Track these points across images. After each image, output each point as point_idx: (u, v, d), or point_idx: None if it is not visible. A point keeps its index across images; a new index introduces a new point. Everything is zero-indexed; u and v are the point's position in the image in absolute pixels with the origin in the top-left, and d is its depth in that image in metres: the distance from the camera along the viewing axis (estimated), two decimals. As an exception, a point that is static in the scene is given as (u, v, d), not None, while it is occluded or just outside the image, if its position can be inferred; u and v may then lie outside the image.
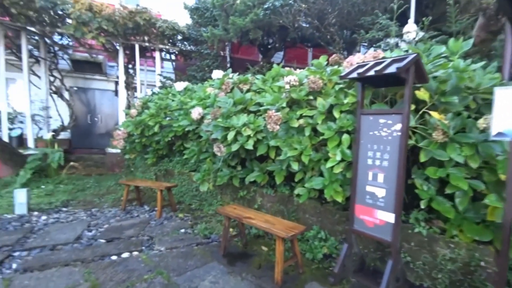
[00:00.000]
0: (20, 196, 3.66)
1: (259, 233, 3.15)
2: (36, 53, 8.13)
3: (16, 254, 2.55)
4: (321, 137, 2.56)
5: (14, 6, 5.89)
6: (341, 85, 2.65)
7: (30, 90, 7.27)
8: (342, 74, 2.03)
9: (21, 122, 7.77)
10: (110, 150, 7.92)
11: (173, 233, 3.22)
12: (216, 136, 3.31)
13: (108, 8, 6.88)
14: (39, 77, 8.22)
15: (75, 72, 10.41)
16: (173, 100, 5.08)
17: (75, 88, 11.02)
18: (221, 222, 3.59)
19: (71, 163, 6.03)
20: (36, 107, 8.00)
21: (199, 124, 4.01)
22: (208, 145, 4.19)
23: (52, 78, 8.58)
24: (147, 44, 8.42)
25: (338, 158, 2.34)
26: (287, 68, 3.85)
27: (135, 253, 2.64)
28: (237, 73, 4.45)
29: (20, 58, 7.38)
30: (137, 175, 6.11)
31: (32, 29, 7.04)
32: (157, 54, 8.99)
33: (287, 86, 2.72)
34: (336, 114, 2.56)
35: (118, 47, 8.30)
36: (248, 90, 3.94)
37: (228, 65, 9.52)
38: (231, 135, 3.07)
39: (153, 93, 7.95)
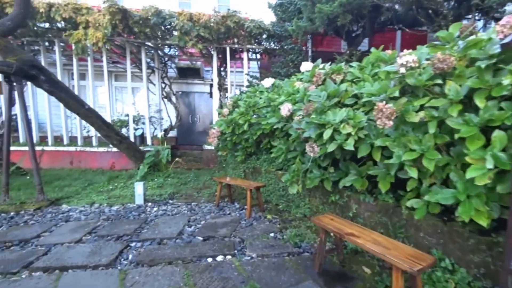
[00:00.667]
0: (139, 189, 4.28)
1: (357, 249, 2.67)
2: (151, 64, 9.65)
3: (133, 244, 2.92)
4: (456, 135, 1.87)
5: (135, 25, 7.04)
6: (484, 62, 1.87)
7: (148, 96, 8.64)
8: (507, 40, 1.35)
9: (143, 123, 9.40)
10: (206, 147, 8.64)
11: (263, 236, 3.09)
12: (308, 134, 2.97)
13: (205, 15, 7.43)
14: (154, 84, 9.73)
15: (179, 78, 11.86)
16: (260, 98, 5.04)
17: (180, 92, 12.59)
18: (311, 229, 3.26)
19: (177, 159, 6.87)
20: (152, 110, 9.54)
21: (288, 121, 3.76)
22: (296, 144, 3.91)
23: (163, 85, 10.03)
24: (236, 46, 8.75)
25: (489, 165, 1.63)
26: (388, 51, 3.16)
27: (228, 257, 2.63)
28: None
29: (140, 70, 8.91)
30: (228, 171, 6.40)
31: (149, 43, 8.34)
32: (244, 55, 9.24)
33: (402, 70, 2.11)
34: (479, 102, 1.83)
35: (212, 52, 8.96)
36: (342, 81, 3.44)
37: (310, 59, 8.99)
38: (327, 133, 2.67)
39: (241, 92, 8.23)
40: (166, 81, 10.22)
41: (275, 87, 4.94)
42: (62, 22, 6.79)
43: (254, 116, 4.86)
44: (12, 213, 3.62)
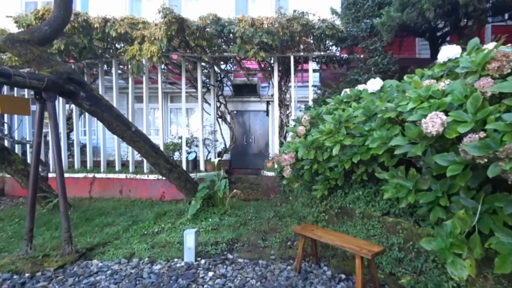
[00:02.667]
0: (189, 240, 3.16)
1: None
2: (206, 82, 9.09)
3: None
4: None
5: (192, 37, 6.44)
6: None
7: (202, 116, 7.93)
8: None
9: (196, 146, 8.73)
10: (266, 173, 7.42)
11: None
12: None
13: (268, 18, 6.52)
14: (209, 104, 9.09)
15: (234, 96, 11.16)
16: (353, 109, 3.62)
17: (234, 112, 11.86)
18: None
19: (234, 191, 5.76)
20: (206, 132, 8.86)
21: (437, 141, 2.25)
22: (432, 180, 2.41)
23: (217, 104, 9.35)
24: (301, 53, 7.60)
25: None
26: None
27: None
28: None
29: (195, 88, 8.40)
30: (297, 207, 5.01)
31: (205, 58, 7.76)
32: (310, 64, 8.03)
33: None
34: None
35: (272, 64, 8.01)
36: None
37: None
38: None
39: (309, 108, 6.94)
40: (221, 99, 9.57)
41: (384, 91, 3.49)
42: (117, 41, 6.55)
43: (347, 134, 3.46)
44: (26, 275, 2.80)
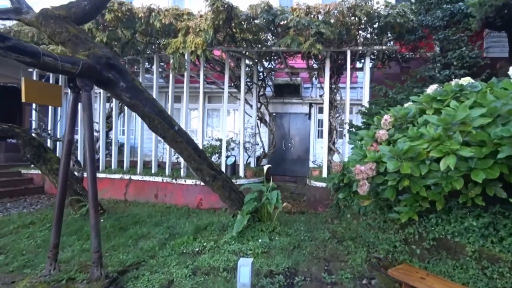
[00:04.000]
0: (244, 274, 2.44)
1: None
2: (247, 81, 8.47)
3: None
4: None
5: (239, 29, 5.85)
6: None
7: (244, 117, 7.30)
8: None
9: (232, 149, 8.12)
10: (314, 183, 6.55)
11: None
12: None
13: (327, 6, 5.71)
14: (250, 105, 8.46)
15: (275, 97, 10.45)
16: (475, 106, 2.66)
17: (274, 114, 11.13)
18: None
19: (284, 204, 4.98)
20: (247, 134, 8.23)
21: None
22: None
23: (258, 105, 8.69)
24: (359, 48, 6.66)
25: None
26: None
27: None
28: None
29: (237, 88, 7.83)
30: (361, 230, 4.10)
31: (249, 54, 7.16)
32: (366, 61, 7.06)
33: None
34: None
35: (323, 60, 7.18)
36: None
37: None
38: None
39: (365, 112, 5.99)
40: (262, 100, 8.90)
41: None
42: (160, 34, 6.15)
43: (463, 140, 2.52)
44: (44, 307, 2.28)
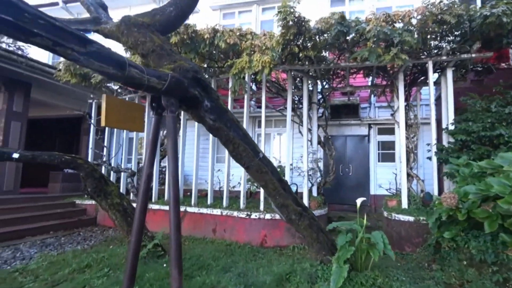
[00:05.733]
0: None
1: None
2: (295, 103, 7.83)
3: None
4: None
5: (307, 44, 5.31)
6: None
7: (307, 142, 6.56)
8: None
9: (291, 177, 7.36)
10: (395, 216, 5.45)
11: None
12: None
13: (416, 10, 4.99)
14: (309, 129, 7.75)
15: (331, 119, 9.65)
16: None
17: (329, 137, 10.29)
18: None
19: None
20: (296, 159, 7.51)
21: None
22: None
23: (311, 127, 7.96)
24: (444, 57, 5.74)
25: None
26: None
27: None
28: None
29: (293, 110, 7.22)
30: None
31: (311, 72, 6.58)
32: (448, 74, 6.07)
33: None
34: None
35: (394, 74, 6.35)
36: None
37: None
38: None
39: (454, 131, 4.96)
40: (319, 122, 8.16)
41: None
42: (223, 55, 5.84)
43: None
44: None
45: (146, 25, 2.16)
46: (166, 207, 6.45)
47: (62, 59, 10.21)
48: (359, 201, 3.89)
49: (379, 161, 9.59)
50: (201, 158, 7.48)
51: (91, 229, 6.54)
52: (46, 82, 7.01)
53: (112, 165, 6.55)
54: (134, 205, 4.67)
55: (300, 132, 7.99)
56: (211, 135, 6.71)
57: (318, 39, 5.39)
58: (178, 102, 2.12)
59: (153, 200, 6.69)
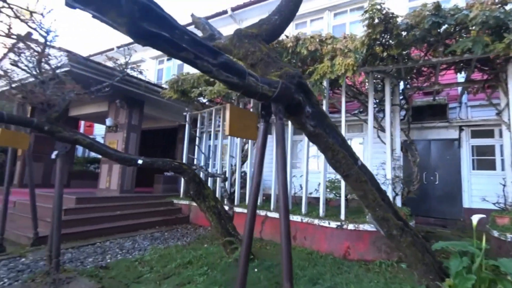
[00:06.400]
0: None
1: None
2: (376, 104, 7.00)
3: None
4: None
5: (385, 45, 4.71)
6: None
7: (390, 148, 5.79)
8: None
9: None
10: (515, 237, 4.24)
11: None
12: None
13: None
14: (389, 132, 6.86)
15: (412, 122, 8.42)
16: None
17: (408, 142, 8.99)
18: None
19: None
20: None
21: None
22: None
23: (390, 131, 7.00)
24: None
25: None
26: None
27: None
28: None
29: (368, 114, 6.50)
30: None
31: (395, 74, 5.83)
32: None
33: None
34: None
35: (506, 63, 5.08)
36: None
37: None
38: None
39: None
40: (401, 126, 7.17)
41: None
42: (304, 61, 5.64)
43: None
44: None
45: (255, 35, 2.10)
46: (246, 210, 6.49)
47: (163, 80, 11.54)
48: (475, 218, 3.11)
49: (473, 168, 7.99)
50: (269, 163, 7.37)
51: (185, 226, 7.01)
52: (153, 99, 7.98)
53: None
54: (226, 208, 4.80)
55: (378, 136, 7.20)
56: (289, 141, 6.55)
57: (404, 36, 4.72)
58: (284, 109, 1.97)
59: (235, 203, 6.82)
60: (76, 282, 3.15)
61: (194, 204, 7.48)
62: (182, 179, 8.23)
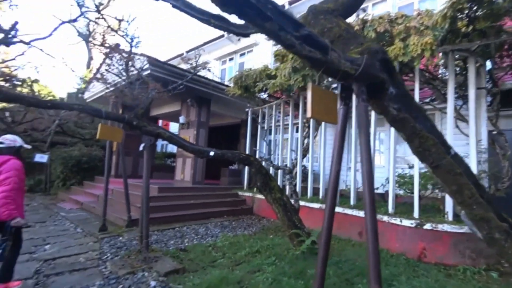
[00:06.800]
0: None
1: None
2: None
3: None
4: None
5: (473, 17, 3.84)
6: None
7: (475, 140, 4.80)
8: None
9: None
10: None
11: None
12: None
13: None
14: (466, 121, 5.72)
15: (500, 108, 6.83)
16: None
17: (494, 132, 7.36)
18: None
19: None
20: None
21: None
22: None
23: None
24: None
25: None
26: None
27: None
28: None
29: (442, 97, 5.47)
30: None
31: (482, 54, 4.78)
32: None
33: None
34: None
35: None
36: None
37: None
38: None
39: None
40: (488, 113, 5.87)
41: None
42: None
43: None
44: None
45: (331, 10, 1.88)
46: (310, 204, 6.22)
47: (225, 79, 11.99)
48: None
49: None
50: (330, 157, 6.87)
51: (250, 217, 7.12)
52: (219, 97, 8.31)
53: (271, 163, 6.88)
54: (292, 201, 4.64)
55: (457, 127, 6.06)
56: (354, 131, 6.03)
57: (499, 2, 3.78)
58: (365, 89, 1.69)
59: (299, 196, 6.59)
60: (162, 261, 3.41)
61: (258, 196, 7.53)
62: (246, 173, 8.40)
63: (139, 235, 3.82)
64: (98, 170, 9.60)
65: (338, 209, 5.64)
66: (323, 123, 6.73)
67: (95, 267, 3.30)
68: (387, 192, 6.43)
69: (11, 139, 2.77)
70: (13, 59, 8.27)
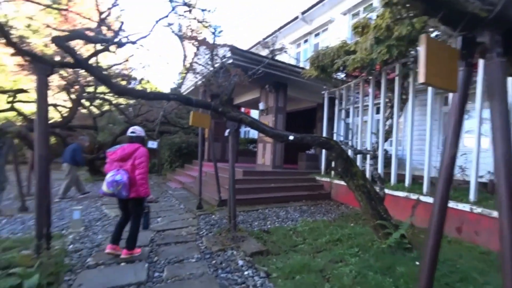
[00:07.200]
0: None
1: None
2: None
3: None
4: None
5: None
6: None
7: None
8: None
9: None
10: None
11: None
12: None
13: None
14: None
15: None
16: None
17: None
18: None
19: None
20: None
21: None
22: None
23: None
24: None
25: None
26: None
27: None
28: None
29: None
30: None
31: None
32: None
33: None
34: None
35: None
36: None
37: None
38: None
39: None
40: None
41: None
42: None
43: None
44: None
45: None
46: (394, 192, 5.44)
47: (300, 62, 11.49)
48: None
49: None
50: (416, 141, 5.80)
51: (328, 202, 6.83)
52: (295, 81, 8.03)
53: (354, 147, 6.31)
54: (377, 189, 4.12)
55: None
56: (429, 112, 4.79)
57: None
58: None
59: (391, 183, 5.83)
60: (248, 242, 3.65)
61: (335, 181, 7.10)
62: (323, 157, 8.00)
63: (228, 215, 4.16)
64: (195, 155, 11.01)
65: (427, 199, 4.75)
66: (410, 101, 5.61)
67: (193, 241, 3.79)
68: (491, 181, 4.98)
69: (139, 130, 3.29)
70: (126, 60, 9.15)
